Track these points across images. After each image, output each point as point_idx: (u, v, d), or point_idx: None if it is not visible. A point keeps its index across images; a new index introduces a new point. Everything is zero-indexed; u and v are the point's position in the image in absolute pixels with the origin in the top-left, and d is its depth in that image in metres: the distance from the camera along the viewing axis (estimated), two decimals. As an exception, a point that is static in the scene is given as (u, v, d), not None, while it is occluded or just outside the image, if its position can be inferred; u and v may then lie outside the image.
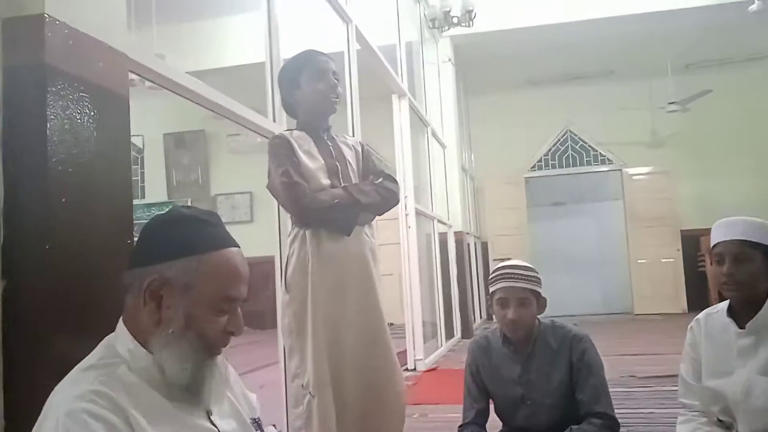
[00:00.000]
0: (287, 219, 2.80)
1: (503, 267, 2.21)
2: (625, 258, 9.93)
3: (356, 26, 4.20)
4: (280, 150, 2.26)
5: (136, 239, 1.23)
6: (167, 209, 1.24)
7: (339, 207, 2.22)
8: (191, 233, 1.16)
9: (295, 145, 2.29)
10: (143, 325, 1.13)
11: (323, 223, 2.23)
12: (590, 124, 10.19)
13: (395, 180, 2.49)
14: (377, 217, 2.44)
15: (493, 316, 2.27)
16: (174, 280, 1.12)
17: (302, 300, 2.21)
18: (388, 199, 2.40)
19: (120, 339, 1.14)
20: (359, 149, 2.53)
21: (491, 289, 2.22)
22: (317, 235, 2.24)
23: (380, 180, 2.43)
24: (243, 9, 6.94)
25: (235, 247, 1.20)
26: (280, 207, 2.75)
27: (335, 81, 2.38)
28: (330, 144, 2.41)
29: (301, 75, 2.37)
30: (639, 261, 9.69)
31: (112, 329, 1.17)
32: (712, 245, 1.96)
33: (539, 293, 2.19)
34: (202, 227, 1.18)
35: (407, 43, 6.40)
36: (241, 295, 1.18)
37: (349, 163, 2.42)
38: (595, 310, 10.28)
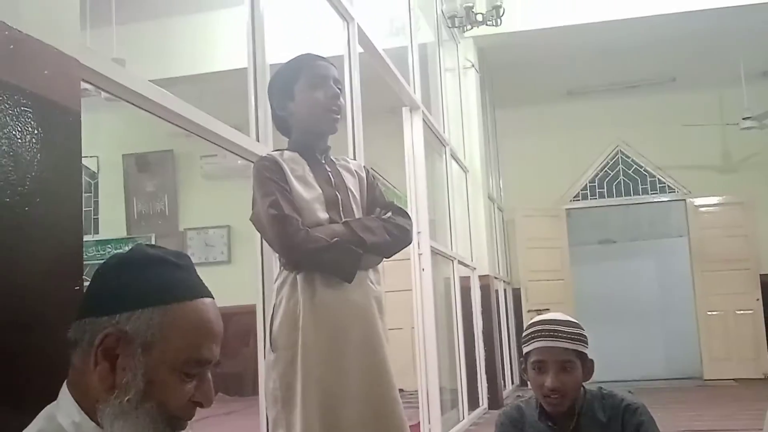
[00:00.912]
0: (273, 260, 2.80)
1: (540, 322, 2.20)
2: (691, 309, 9.85)
3: (358, 25, 4.24)
4: (268, 175, 2.26)
5: (86, 284, 1.22)
6: (127, 248, 1.24)
7: (339, 247, 2.21)
8: (157, 278, 1.16)
9: (287, 170, 2.29)
10: (92, 390, 1.12)
11: (319, 266, 2.22)
12: (646, 143, 10.20)
13: (407, 214, 2.48)
14: (384, 260, 2.43)
15: (528, 383, 2.25)
16: (133, 336, 1.12)
17: (291, 361, 2.19)
18: (399, 237, 2.39)
19: (63, 408, 1.13)
20: (363, 175, 2.53)
21: (525, 350, 2.21)
22: (311, 281, 2.22)
23: (389, 214, 2.42)
24: (222, 5, 7.04)
25: (209, 297, 1.20)
26: (266, 245, 2.75)
27: (337, 90, 2.40)
28: (329, 169, 2.42)
29: (296, 83, 2.38)
30: (709, 313, 9.60)
31: (55, 396, 1.16)
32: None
33: (585, 355, 2.18)
34: (170, 271, 1.18)
35: (421, 45, 6.46)
36: (213, 357, 1.18)
37: (352, 192, 2.42)
38: (655, 375, 10.17)
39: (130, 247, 1.25)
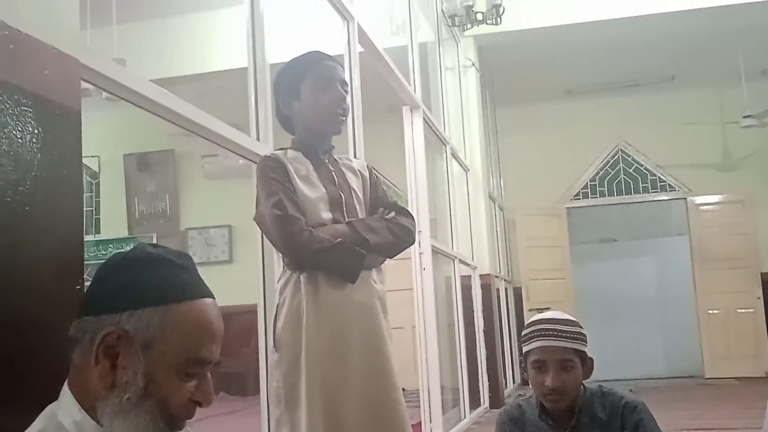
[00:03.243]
0: (275, 260, 2.80)
1: (539, 321, 2.20)
2: (692, 308, 9.85)
3: (358, 24, 4.24)
4: (272, 174, 2.26)
5: (87, 284, 1.22)
6: (128, 247, 1.24)
7: (342, 248, 2.21)
8: (158, 278, 1.16)
9: (291, 169, 2.29)
10: (93, 388, 1.12)
11: (322, 266, 2.22)
12: (647, 142, 10.20)
13: (411, 214, 2.49)
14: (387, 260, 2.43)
15: (529, 382, 2.25)
16: (134, 335, 1.12)
17: (294, 360, 2.19)
18: (403, 238, 2.39)
19: (64, 408, 1.13)
20: (366, 175, 2.53)
21: (525, 349, 2.21)
22: (314, 281, 2.22)
23: (392, 214, 2.42)
24: (222, 4, 7.04)
25: (209, 297, 1.21)
26: (267, 244, 2.74)
27: (343, 93, 2.39)
28: (332, 168, 2.42)
29: (303, 82, 2.38)
30: (710, 311, 9.61)
31: (56, 396, 1.16)
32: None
33: (585, 353, 2.18)
34: (172, 271, 1.18)
35: (421, 44, 6.46)
36: (213, 357, 1.18)
37: (355, 192, 2.42)
38: (656, 373, 10.17)
39: (131, 247, 1.25)
